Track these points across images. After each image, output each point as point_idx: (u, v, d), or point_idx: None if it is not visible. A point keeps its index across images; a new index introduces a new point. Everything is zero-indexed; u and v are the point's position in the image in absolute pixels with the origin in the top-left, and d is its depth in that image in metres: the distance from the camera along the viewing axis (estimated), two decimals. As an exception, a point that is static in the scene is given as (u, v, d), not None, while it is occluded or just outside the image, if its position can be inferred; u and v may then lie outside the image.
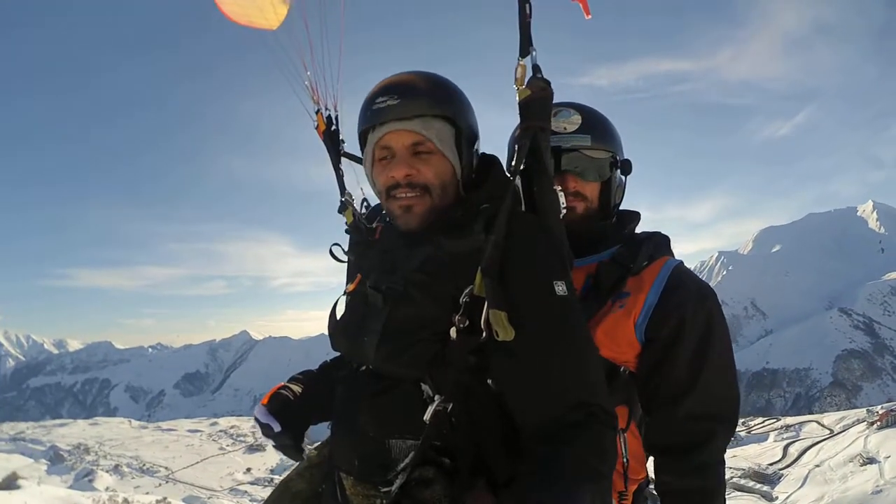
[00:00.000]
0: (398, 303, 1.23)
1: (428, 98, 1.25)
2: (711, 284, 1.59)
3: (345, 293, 1.42)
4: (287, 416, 1.43)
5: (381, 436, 1.22)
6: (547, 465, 1.03)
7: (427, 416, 1.14)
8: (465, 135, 1.30)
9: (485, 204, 1.25)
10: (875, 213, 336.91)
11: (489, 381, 1.18)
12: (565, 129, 1.58)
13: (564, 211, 1.31)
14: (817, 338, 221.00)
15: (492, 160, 1.39)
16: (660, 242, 1.62)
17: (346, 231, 1.51)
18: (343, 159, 1.58)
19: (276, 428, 1.40)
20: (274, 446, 1.44)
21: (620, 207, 1.72)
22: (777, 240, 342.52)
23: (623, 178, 1.70)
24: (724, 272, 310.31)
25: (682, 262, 1.57)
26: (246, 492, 61.96)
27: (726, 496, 1.51)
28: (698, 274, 1.74)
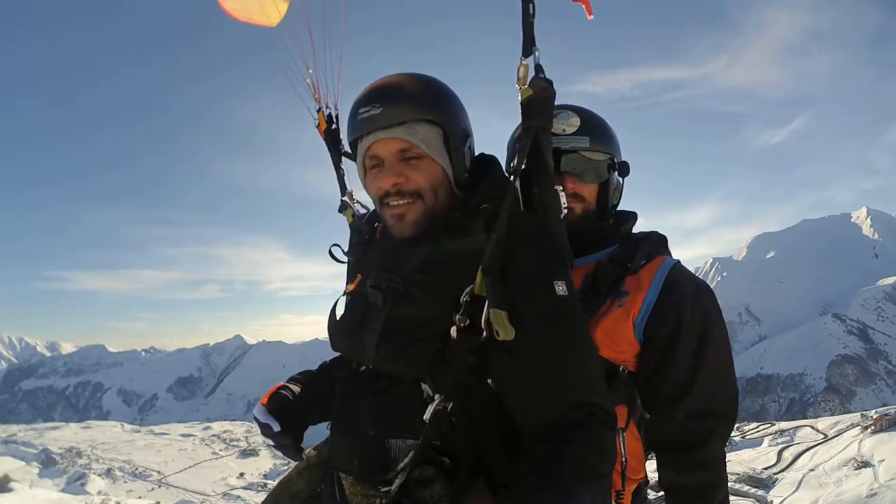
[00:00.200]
0: (398, 302, 1.23)
1: (411, 102, 1.24)
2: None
3: (345, 293, 1.42)
4: (286, 415, 1.43)
5: (381, 435, 1.21)
6: (547, 465, 1.03)
7: (427, 416, 1.14)
8: (455, 135, 1.29)
9: (484, 204, 1.24)
10: (869, 219, 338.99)
11: (489, 381, 1.18)
12: (564, 130, 1.59)
13: (565, 211, 1.32)
14: (811, 343, 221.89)
15: (490, 160, 1.40)
16: (657, 242, 1.64)
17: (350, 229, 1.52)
18: (344, 159, 1.58)
19: (276, 427, 1.40)
20: (273, 446, 1.44)
21: (618, 209, 1.74)
22: (771, 246, 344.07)
23: (621, 179, 1.71)
24: (719, 278, 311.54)
25: (678, 262, 1.58)
26: (239, 497, 61.59)
27: None
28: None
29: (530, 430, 1.11)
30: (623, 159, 1.69)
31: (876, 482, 31.88)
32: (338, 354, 1.51)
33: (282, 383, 1.52)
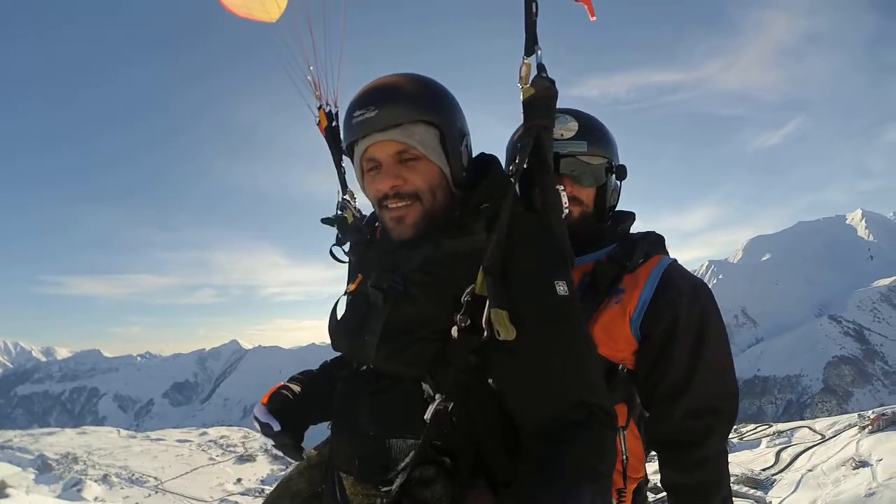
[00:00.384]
0: (399, 302, 1.23)
1: (406, 104, 1.24)
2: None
3: (345, 293, 1.42)
4: (287, 415, 1.43)
5: (382, 435, 1.21)
6: (547, 465, 1.03)
7: (427, 416, 1.14)
8: (451, 135, 1.28)
9: (485, 203, 1.24)
10: (864, 221, 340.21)
11: (489, 381, 1.18)
12: (562, 135, 1.60)
13: (567, 211, 1.32)
14: (808, 345, 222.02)
15: (490, 160, 1.40)
16: (655, 241, 1.66)
17: (337, 231, 1.51)
18: (345, 158, 1.58)
19: (276, 427, 1.40)
20: (274, 446, 1.44)
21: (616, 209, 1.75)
22: (767, 248, 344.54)
23: (618, 182, 1.73)
24: (715, 281, 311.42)
25: (675, 261, 1.59)
26: (236, 502, 61.22)
27: None
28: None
29: (530, 430, 1.11)
30: (621, 163, 1.70)
31: (874, 481, 31.87)
32: (338, 354, 1.51)
33: (282, 383, 1.51)
